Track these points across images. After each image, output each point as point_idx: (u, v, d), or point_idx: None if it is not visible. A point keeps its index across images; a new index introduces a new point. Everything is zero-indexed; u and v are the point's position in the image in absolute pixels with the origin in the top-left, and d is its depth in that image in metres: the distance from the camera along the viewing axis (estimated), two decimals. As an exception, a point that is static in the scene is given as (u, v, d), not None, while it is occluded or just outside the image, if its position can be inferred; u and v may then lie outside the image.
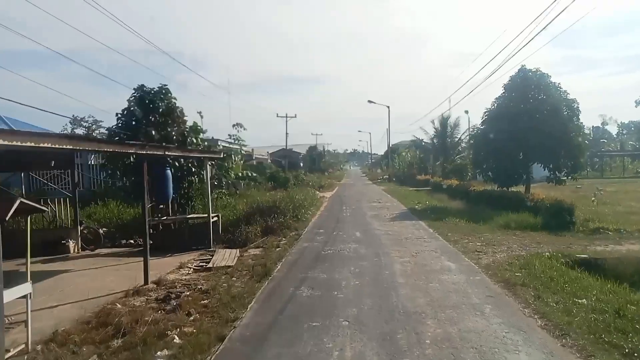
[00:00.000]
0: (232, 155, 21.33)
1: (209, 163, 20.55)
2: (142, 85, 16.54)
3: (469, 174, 38.30)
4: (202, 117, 29.35)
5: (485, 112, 22.96)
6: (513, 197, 19.40)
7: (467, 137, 46.44)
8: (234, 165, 21.60)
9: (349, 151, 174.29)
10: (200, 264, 11.26)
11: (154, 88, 16.61)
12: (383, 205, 23.45)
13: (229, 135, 24.43)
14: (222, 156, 14.46)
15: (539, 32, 26.81)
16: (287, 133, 57.66)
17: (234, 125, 24.16)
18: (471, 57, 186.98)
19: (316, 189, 38.35)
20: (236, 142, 23.96)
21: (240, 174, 25.80)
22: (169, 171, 14.21)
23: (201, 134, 17.83)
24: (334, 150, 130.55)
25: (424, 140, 45.67)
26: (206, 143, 17.69)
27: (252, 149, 54.34)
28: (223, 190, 19.25)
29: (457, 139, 44.49)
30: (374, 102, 58.89)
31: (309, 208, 19.03)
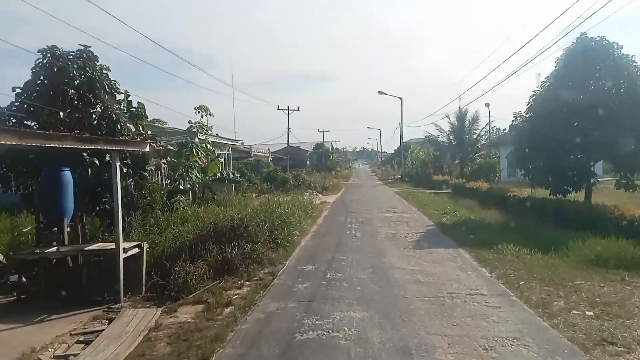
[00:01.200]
0: (194, 150, 15.88)
1: (162, 161, 15.58)
2: (54, 47, 11.35)
3: (498, 175, 32.97)
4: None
5: (531, 96, 17.38)
6: (583, 210, 13.88)
7: (487, 134, 41.41)
8: (200, 163, 16.31)
9: (357, 149, 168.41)
10: (67, 351, 6.05)
11: (71, 51, 11.52)
12: (400, 217, 17.95)
13: (189, 122, 18.85)
14: (147, 149, 9.10)
15: (568, 32, 21.62)
16: (288, 127, 52.11)
17: (196, 109, 18.63)
18: (481, 53, 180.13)
19: (319, 191, 33.13)
20: (200, 130, 18.48)
21: (220, 175, 20.56)
22: (68, 174, 9.02)
23: (145, 120, 12.70)
24: (343, 148, 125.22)
25: (439, 137, 40.21)
26: (150, 132, 12.45)
27: (250, 146, 49.30)
28: (180, 198, 13.93)
29: (476, 136, 39.22)
30: (385, 94, 53.01)
31: (298, 225, 13.69)
